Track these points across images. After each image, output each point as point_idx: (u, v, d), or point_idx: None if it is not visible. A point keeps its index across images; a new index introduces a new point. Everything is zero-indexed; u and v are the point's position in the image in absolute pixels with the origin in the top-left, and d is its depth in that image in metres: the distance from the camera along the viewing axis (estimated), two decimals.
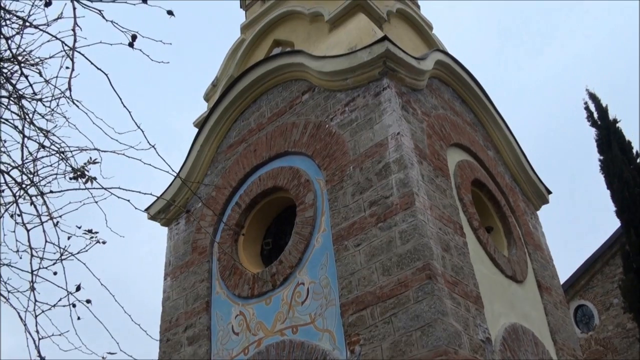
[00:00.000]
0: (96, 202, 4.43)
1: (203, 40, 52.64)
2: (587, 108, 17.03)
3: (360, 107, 8.34)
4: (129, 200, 4.31)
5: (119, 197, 4.23)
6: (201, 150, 10.30)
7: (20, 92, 4.35)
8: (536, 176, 11.15)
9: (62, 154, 4.48)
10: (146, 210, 10.56)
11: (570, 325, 9.68)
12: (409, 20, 11.64)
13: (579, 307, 17.71)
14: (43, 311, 4.29)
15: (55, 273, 4.34)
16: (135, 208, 4.50)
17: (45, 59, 4.29)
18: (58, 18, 3.95)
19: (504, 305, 7.96)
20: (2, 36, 4.11)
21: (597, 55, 49.02)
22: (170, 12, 3.82)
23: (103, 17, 3.80)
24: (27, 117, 4.40)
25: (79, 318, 4.31)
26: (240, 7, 13.39)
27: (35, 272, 4.29)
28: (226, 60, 11.93)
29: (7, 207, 4.53)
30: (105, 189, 4.32)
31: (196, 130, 10.83)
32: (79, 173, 4.53)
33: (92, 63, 4.10)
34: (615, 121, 16.46)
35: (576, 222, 41.04)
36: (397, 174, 7.43)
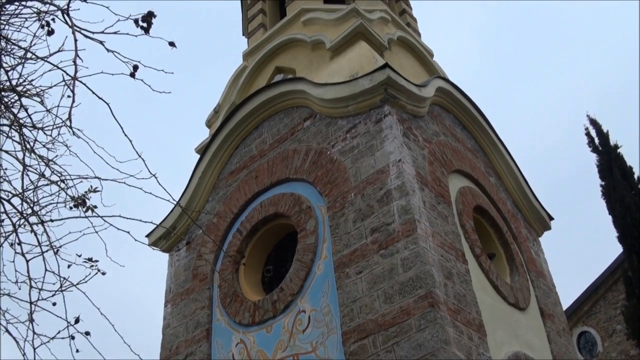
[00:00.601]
0: (96, 232, 4.42)
1: (205, 66, 52.98)
2: (588, 134, 17.08)
3: (362, 134, 8.34)
4: (129, 232, 4.28)
5: (118, 229, 4.21)
6: (202, 176, 10.30)
7: (21, 121, 4.35)
8: (538, 202, 11.10)
9: (63, 183, 4.47)
10: (147, 236, 10.53)
11: (573, 353, 9.57)
12: (410, 47, 11.70)
13: (582, 333, 17.59)
14: (43, 342, 4.24)
15: (54, 304, 4.31)
16: (136, 240, 4.48)
17: (46, 88, 4.30)
18: (59, 50, 3.96)
19: (507, 333, 7.88)
20: (2, 68, 4.11)
21: (598, 81, 49.31)
22: (171, 44, 3.83)
23: (105, 47, 3.81)
24: (27, 145, 4.40)
25: (77, 351, 4.27)
26: (243, 34, 13.51)
27: (34, 303, 4.26)
28: (228, 87, 11.97)
29: (7, 235, 4.51)
30: (103, 219, 4.30)
31: (198, 156, 10.83)
32: (79, 201, 4.52)
33: (93, 92, 4.10)
34: (616, 147, 16.49)
35: (578, 248, 40.89)
36: (399, 201, 7.41)
